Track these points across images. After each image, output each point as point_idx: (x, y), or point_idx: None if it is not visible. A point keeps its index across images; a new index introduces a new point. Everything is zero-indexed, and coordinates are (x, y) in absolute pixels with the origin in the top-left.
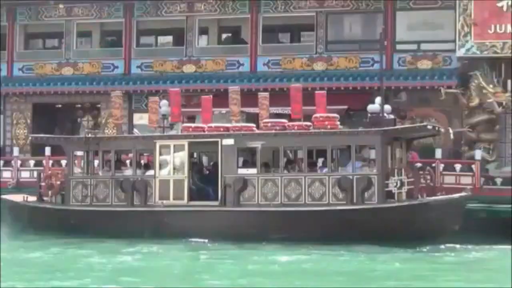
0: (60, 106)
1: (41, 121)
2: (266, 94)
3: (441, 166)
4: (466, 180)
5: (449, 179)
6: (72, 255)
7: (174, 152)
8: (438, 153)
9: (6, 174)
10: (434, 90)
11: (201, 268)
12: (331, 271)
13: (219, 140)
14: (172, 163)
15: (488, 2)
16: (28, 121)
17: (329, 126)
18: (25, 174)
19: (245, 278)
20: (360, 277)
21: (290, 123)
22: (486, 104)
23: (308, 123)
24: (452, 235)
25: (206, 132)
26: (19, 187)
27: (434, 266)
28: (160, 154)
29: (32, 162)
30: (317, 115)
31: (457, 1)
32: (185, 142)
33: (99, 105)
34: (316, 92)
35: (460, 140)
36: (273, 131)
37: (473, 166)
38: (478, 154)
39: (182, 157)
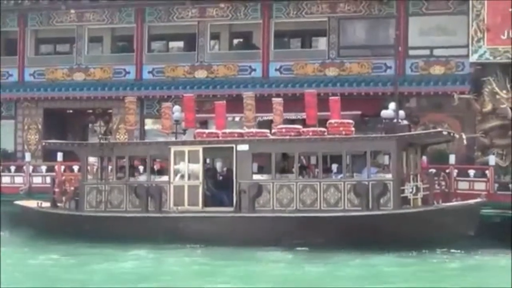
0: (71, 111)
1: (52, 126)
2: (280, 99)
3: (455, 172)
4: (480, 185)
5: (463, 185)
6: (86, 261)
7: (189, 157)
8: (452, 158)
9: (18, 180)
10: (447, 96)
11: (213, 274)
12: (346, 277)
13: (233, 146)
14: (186, 169)
15: (501, 7)
16: (39, 126)
17: (344, 132)
18: (37, 180)
19: (256, 284)
20: (375, 282)
21: (305, 129)
22: (499, 109)
23: (323, 129)
24: (467, 241)
25: (221, 138)
26: (31, 192)
27: (448, 271)
28: (175, 160)
29: (44, 168)
30: (332, 121)
31: (470, 6)
32: (199, 148)
33: (110, 111)
34: (330, 98)
35: (473, 146)
36: (288, 137)
37: (487, 171)
38: (492, 159)
39: (196, 163)
